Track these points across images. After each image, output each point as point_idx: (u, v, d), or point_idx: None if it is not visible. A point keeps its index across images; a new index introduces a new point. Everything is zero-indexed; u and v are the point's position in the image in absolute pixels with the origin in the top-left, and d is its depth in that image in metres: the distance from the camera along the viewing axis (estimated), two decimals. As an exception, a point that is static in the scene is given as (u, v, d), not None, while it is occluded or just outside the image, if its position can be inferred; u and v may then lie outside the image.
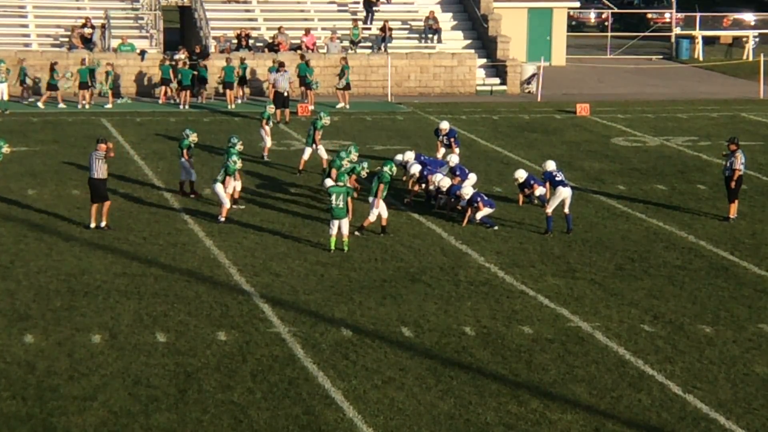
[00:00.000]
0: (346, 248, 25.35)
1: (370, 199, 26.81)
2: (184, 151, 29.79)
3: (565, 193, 27.26)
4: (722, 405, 18.05)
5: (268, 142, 34.42)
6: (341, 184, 25.63)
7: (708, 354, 20.11)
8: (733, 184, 28.76)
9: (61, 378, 18.48)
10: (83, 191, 27.06)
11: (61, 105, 42.94)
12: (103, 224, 26.57)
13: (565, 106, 45.66)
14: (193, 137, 30.07)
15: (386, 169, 26.80)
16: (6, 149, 29.03)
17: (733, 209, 28.90)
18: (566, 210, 27.36)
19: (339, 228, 25.34)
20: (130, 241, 26.02)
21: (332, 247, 25.40)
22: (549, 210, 27.31)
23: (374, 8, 50.90)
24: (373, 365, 19.28)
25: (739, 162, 28.78)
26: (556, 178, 27.58)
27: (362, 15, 51.21)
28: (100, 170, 26.68)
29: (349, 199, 25.43)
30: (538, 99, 47.77)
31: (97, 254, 24.92)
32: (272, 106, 36.29)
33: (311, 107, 43.28)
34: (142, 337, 20.26)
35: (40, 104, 43.04)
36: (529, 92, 49.42)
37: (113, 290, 22.67)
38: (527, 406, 17.87)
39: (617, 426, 17.30)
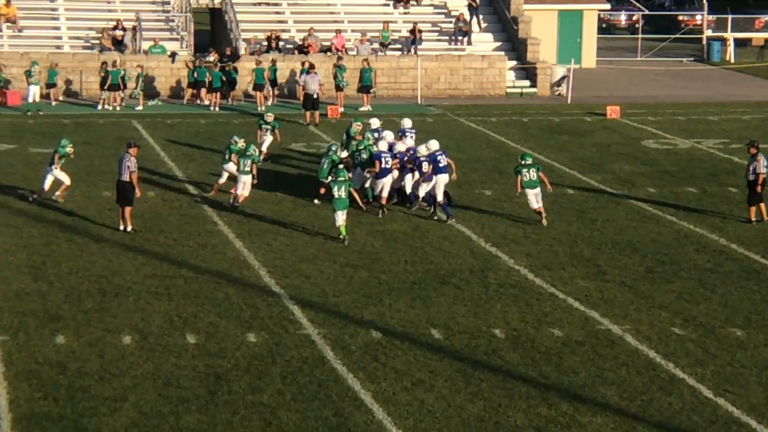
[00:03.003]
0: (342, 235, 26.06)
1: None
2: (233, 155, 29.53)
3: (441, 180, 28.10)
4: (754, 409, 17.95)
5: (265, 145, 34.07)
6: (342, 178, 26.58)
7: (739, 357, 20.01)
8: (759, 189, 28.60)
9: (92, 379, 18.56)
10: (114, 193, 27.16)
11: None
12: (129, 228, 26.61)
13: (595, 108, 45.51)
14: (241, 143, 29.85)
15: None
16: (69, 149, 29.21)
17: (758, 212, 28.62)
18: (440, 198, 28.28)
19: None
20: (161, 242, 26.11)
21: (344, 234, 26.01)
22: (421, 193, 28.34)
23: (478, 12, 50.92)
24: (403, 367, 19.27)
25: (762, 165, 28.61)
26: (440, 164, 28.15)
27: (392, 17, 51.30)
28: (128, 173, 26.73)
29: (352, 189, 26.68)
30: (568, 101, 47.64)
31: (127, 256, 25.02)
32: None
33: (341, 109, 43.33)
34: (172, 339, 20.32)
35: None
36: (559, 94, 49.30)
37: (144, 291, 22.75)
38: (557, 408, 17.82)
39: (648, 429, 17.23)
